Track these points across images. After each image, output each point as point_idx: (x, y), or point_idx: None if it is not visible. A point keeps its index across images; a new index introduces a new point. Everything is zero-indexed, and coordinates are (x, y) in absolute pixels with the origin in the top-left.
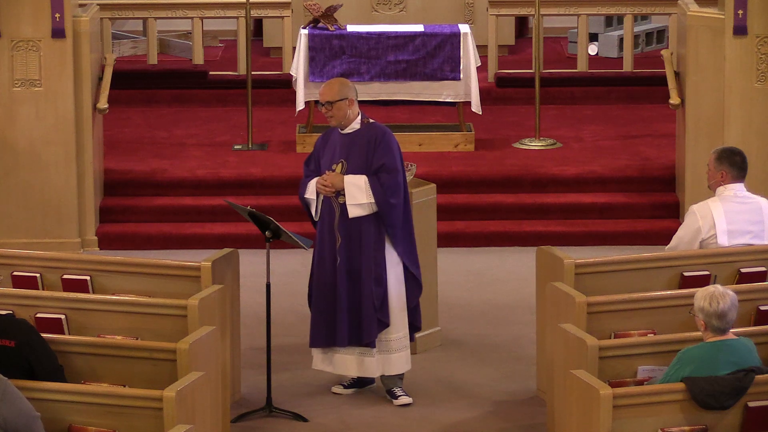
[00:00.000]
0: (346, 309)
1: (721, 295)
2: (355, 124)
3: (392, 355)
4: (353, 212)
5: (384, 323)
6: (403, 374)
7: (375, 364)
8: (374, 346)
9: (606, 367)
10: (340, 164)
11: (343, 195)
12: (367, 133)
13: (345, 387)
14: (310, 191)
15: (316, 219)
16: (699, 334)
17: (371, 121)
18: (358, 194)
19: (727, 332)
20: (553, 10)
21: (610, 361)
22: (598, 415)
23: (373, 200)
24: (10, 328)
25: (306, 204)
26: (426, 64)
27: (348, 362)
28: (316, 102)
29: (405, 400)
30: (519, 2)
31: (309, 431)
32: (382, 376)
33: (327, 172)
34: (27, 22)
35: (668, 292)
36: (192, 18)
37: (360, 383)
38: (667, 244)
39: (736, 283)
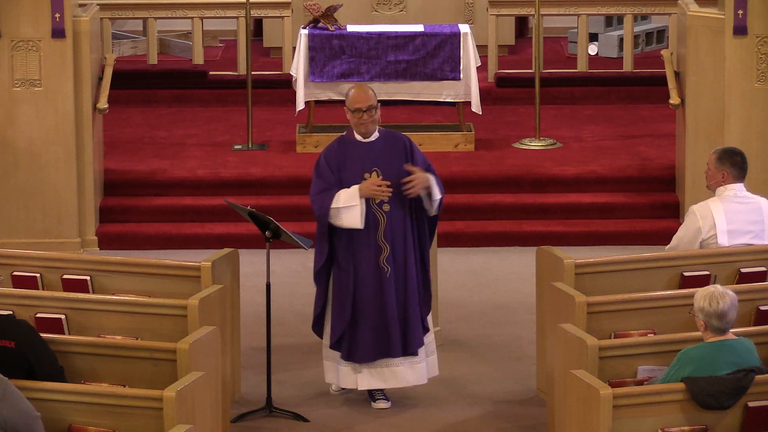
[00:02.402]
0: (397, 319)
1: (721, 295)
2: (377, 132)
3: (432, 357)
4: (435, 207)
5: (426, 328)
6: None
7: (425, 368)
8: (417, 354)
9: (606, 367)
10: (374, 173)
11: (387, 203)
12: (392, 141)
13: (343, 387)
14: (346, 199)
15: (360, 226)
16: (699, 334)
17: (381, 127)
18: (437, 190)
19: (727, 332)
20: (553, 10)
21: (610, 361)
22: (598, 415)
23: (441, 195)
24: (10, 329)
25: (326, 220)
26: (426, 64)
27: (401, 373)
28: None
29: (383, 404)
30: (519, 2)
31: (309, 431)
32: None
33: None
34: (27, 22)
35: (668, 292)
36: (192, 18)
37: None
38: (667, 244)
39: (736, 283)
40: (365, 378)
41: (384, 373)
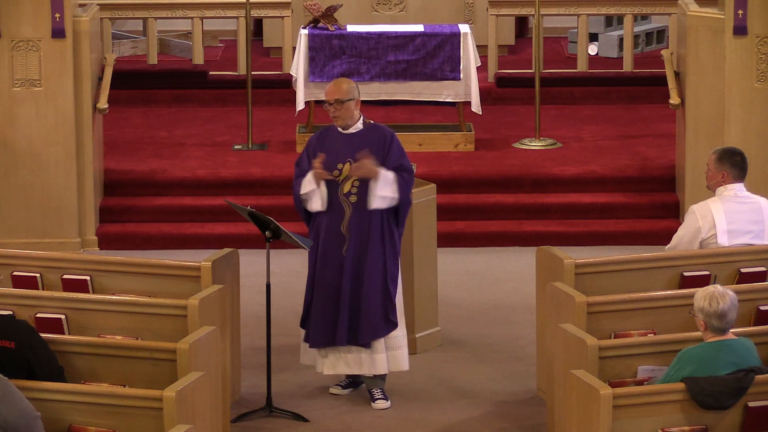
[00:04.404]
0: (347, 309)
1: (721, 295)
2: (359, 125)
3: (395, 351)
4: (377, 204)
5: (393, 323)
6: (385, 376)
7: (384, 359)
8: (369, 346)
9: (606, 367)
10: (347, 164)
11: (354, 194)
12: (374, 134)
13: (342, 387)
14: (306, 185)
15: (322, 209)
16: (699, 334)
17: (371, 122)
18: (386, 187)
19: (727, 332)
20: (553, 10)
21: (610, 361)
22: (598, 415)
23: (397, 196)
24: (10, 329)
25: (301, 204)
26: (426, 64)
27: (347, 360)
28: (322, 101)
29: (383, 404)
30: (519, 2)
31: (309, 431)
32: (366, 376)
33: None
34: (27, 22)
35: (668, 292)
36: (192, 18)
37: (355, 383)
38: (667, 244)
39: (736, 283)
40: (329, 363)
41: (347, 358)
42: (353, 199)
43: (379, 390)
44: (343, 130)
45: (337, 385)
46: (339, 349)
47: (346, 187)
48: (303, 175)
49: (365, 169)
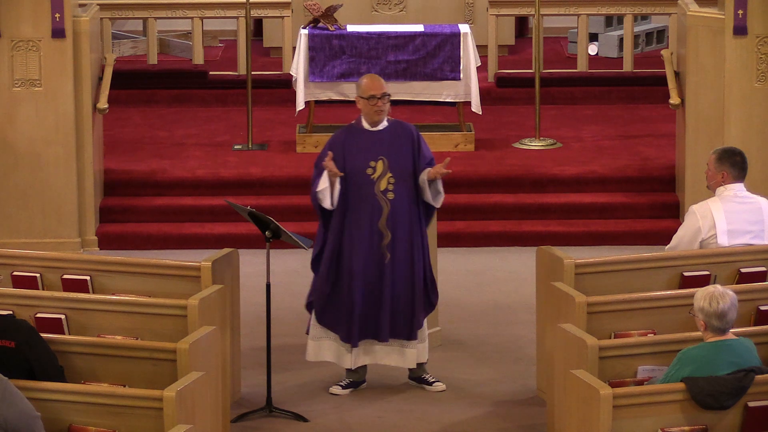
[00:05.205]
0: (389, 304)
1: (721, 295)
2: (385, 121)
3: (424, 344)
4: (440, 201)
5: (432, 305)
6: (425, 362)
7: (415, 354)
8: (416, 338)
9: (606, 367)
10: (380, 161)
11: (391, 191)
12: (401, 131)
13: (343, 387)
14: (321, 182)
15: (329, 207)
16: (699, 334)
17: (390, 118)
18: (440, 184)
19: (727, 332)
20: (553, 10)
21: (610, 361)
22: (598, 415)
23: (443, 191)
24: (10, 329)
25: (317, 201)
26: (426, 64)
27: (388, 353)
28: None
29: (440, 386)
30: (519, 2)
31: (309, 431)
32: (410, 368)
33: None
34: (27, 22)
35: (668, 292)
36: (192, 18)
37: (355, 383)
38: (667, 244)
39: (736, 283)
40: (358, 356)
41: (375, 350)
42: (390, 196)
43: (429, 374)
44: (373, 126)
45: (337, 384)
46: (379, 344)
47: (383, 185)
48: (321, 173)
49: (441, 171)
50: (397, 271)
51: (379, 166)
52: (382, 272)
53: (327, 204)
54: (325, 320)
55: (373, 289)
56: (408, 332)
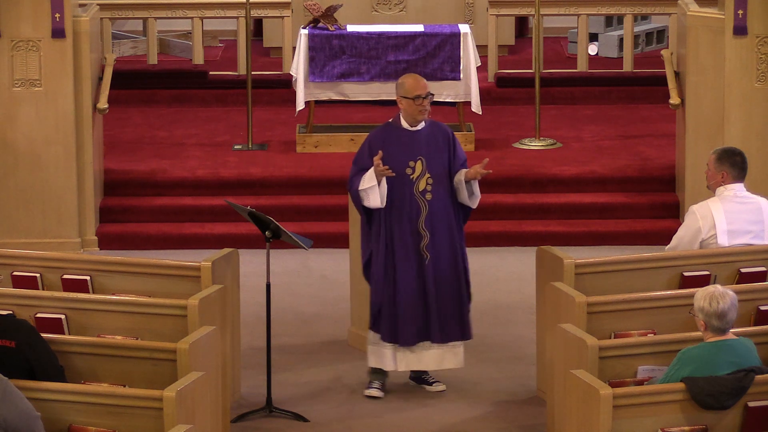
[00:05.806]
0: (436, 305)
1: (721, 295)
2: (423, 121)
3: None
4: (476, 202)
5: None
6: None
7: (462, 353)
8: (471, 336)
9: (606, 367)
10: (419, 161)
11: (429, 192)
12: (438, 131)
13: (380, 389)
14: (367, 181)
15: (381, 205)
16: (699, 334)
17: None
18: (477, 185)
19: (727, 332)
20: (553, 10)
21: (610, 361)
22: (598, 415)
23: (479, 192)
24: (10, 329)
25: (359, 199)
26: (426, 64)
27: (440, 356)
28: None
29: (440, 386)
30: (519, 2)
31: (309, 431)
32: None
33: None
34: (27, 22)
35: (668, 292)
36: (192, 18)
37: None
38: (667, 244)
39: (736, 283)
40: (404, 360)
41: (423, 355)
42: (429, 196)
43: (428, 375)
44: (412, 126)
45: (372, 387)
46: (413, 347)
47: (422, 185)
48: (363, 170)
49: (481, 172)
50: (439, 273)
51: (418, 166)
52: (423, 274)
53: (374, 203)
54: (380, 326)
55: (417, 291)
56: (461, 332)
